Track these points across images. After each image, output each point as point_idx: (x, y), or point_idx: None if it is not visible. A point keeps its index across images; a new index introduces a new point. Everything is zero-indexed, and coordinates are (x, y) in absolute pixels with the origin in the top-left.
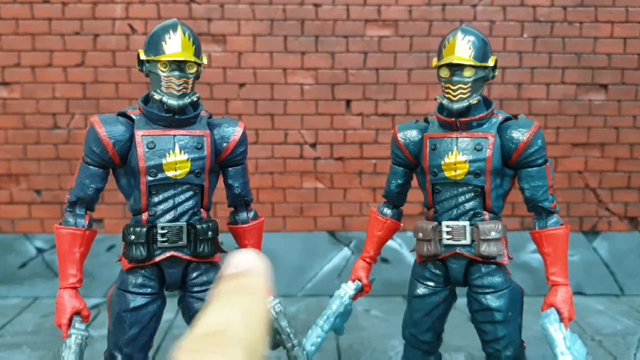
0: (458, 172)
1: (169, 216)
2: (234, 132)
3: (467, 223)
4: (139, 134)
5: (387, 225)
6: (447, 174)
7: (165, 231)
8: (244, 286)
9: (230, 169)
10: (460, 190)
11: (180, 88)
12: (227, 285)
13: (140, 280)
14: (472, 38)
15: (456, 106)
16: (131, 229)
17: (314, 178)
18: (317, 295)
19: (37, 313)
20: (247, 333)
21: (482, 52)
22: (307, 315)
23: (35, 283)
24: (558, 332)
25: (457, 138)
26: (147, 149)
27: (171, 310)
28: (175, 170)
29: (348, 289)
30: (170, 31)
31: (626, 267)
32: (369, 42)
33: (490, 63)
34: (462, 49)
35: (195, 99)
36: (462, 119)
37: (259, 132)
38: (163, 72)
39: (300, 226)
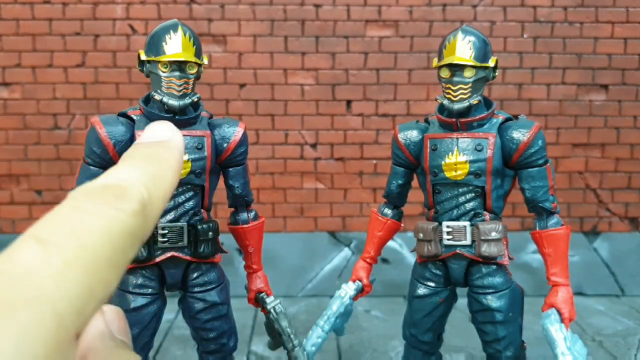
0: (458, 172)
1: (169, 216)
2: (235, 133)
3: (467, 223)
4: (139, 134)
5: (388, 225)
6: (447, 174)
7: (165, 231)
8: (156, 156)
9: (230, 169)
10: (460, 190)
11: (181, 88)
12: (139, 152)
13: (140, 280)
14: (472, 38)
15: (457, 106)
16: None
17: (314, 178)
18: (317, 295)
19: None
20: (148, 196)
21: (483, 52)
22: (307, 316)
23: None
24: (559, 332)
25: (457, 138)
26: None
27: (171, 311)
28: None
29: (348, 289)
30: (171, 31)
31: (627, 267)
32: (369, 43)
33: (491, 63)
34: (463, 49)
35: (195, 99)
36: (463, 120)
37: (260, 132)
38: (163, 72)
39: (300, 226)
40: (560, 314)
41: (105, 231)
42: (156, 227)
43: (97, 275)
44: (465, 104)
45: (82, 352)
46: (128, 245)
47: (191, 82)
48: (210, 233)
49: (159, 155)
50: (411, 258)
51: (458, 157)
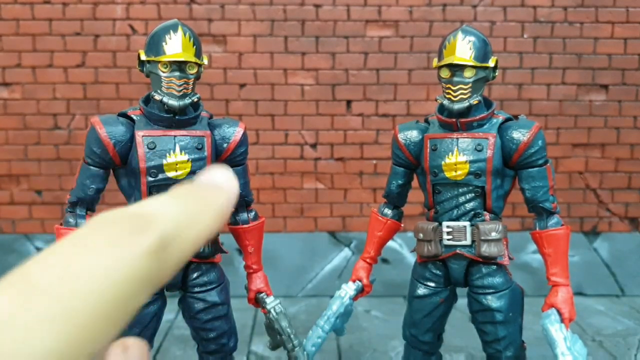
0: (458, 172)
1: None
2: (235, 133)
3: (467, 223)
4: (139, 134)
5: (388, 225)
6: (447, 174)
7: None
8: (202, 196)
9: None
10: (460, 190)
11: (181, 88)
12: (186, 188)
13: None
14: (472, 38)
15: (457, 106)
16: None
17: (314, 178)
18: (317, 295)
19: None
20: (173, 233)
21: (483, 52)
22: (307, 316)
23: None
24: (559, 332)
25: (457, 138)
26: (147, 150)
27: (172, 311)
28: (176, 171)
29: (348, 289)
30: (171, 32)
31: (627, 267)
32: (369, 43)
33: (491, 63)
34: (463, 49)
35: (195, 99)
36: (463, 120)
37: (260, 132)
38: (163, 72)
39: (300, 227)
40: (560, 314)
41: (108, 275)
42: None
43: (87, 327)
44: (465, 104)
45: None
46: (135, 290)
47: (191, 82)
48: None
49: (205, 195)
50: (411, 258)
51: (458, 157)
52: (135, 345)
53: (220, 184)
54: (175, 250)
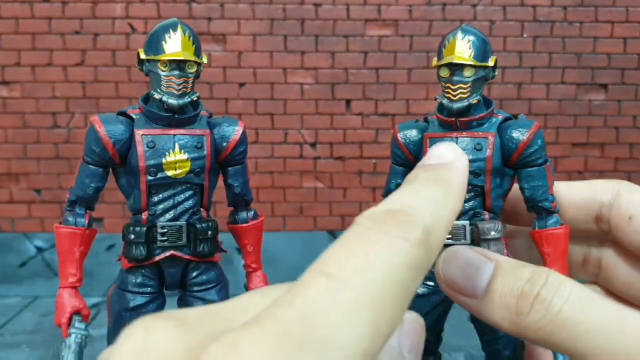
0: None
1: (168, 215)
2: (234, 132)
3: (466, 223)
4: (138, 133)
5: None
6: None
7: (165, 230)
8: (438, 180)
9: (230, 168)
10: None
11: (180, 87)
12: (421, 175)
13: (140, 279)
14: (472, 38)
15: (456, 106)
16: (131, 228)
17: (313, 178)
18: None
19: (36, 312)
20: (431, 224)
21: (482, 51)
22: None
23: (35, 282)
24: None
25: (457, 138)
26: (147, 148)
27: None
28: (175, 170)
29: None
30: (170, 30)
31: None
32: (369, 42)
33: (490, 63)
34: (462, 48)
35: (195, 98)
36: (462, 119)
37: (259, 131)
38: (163, 71)
39: (300, 226)
40: None
41: (390, 264)
42: (155, 226)
43: (382, 312)
44: (465, 103)
45: None
46: (411, 277)
47: (191, 81)
48: (210, 232)
49: (442, 178)
50: None
51: None
52: (411, 319)
53: (449, 161)
54: (437, 237)
